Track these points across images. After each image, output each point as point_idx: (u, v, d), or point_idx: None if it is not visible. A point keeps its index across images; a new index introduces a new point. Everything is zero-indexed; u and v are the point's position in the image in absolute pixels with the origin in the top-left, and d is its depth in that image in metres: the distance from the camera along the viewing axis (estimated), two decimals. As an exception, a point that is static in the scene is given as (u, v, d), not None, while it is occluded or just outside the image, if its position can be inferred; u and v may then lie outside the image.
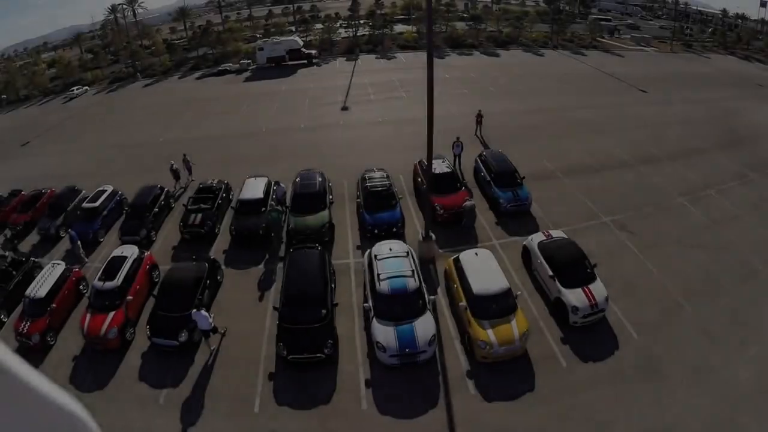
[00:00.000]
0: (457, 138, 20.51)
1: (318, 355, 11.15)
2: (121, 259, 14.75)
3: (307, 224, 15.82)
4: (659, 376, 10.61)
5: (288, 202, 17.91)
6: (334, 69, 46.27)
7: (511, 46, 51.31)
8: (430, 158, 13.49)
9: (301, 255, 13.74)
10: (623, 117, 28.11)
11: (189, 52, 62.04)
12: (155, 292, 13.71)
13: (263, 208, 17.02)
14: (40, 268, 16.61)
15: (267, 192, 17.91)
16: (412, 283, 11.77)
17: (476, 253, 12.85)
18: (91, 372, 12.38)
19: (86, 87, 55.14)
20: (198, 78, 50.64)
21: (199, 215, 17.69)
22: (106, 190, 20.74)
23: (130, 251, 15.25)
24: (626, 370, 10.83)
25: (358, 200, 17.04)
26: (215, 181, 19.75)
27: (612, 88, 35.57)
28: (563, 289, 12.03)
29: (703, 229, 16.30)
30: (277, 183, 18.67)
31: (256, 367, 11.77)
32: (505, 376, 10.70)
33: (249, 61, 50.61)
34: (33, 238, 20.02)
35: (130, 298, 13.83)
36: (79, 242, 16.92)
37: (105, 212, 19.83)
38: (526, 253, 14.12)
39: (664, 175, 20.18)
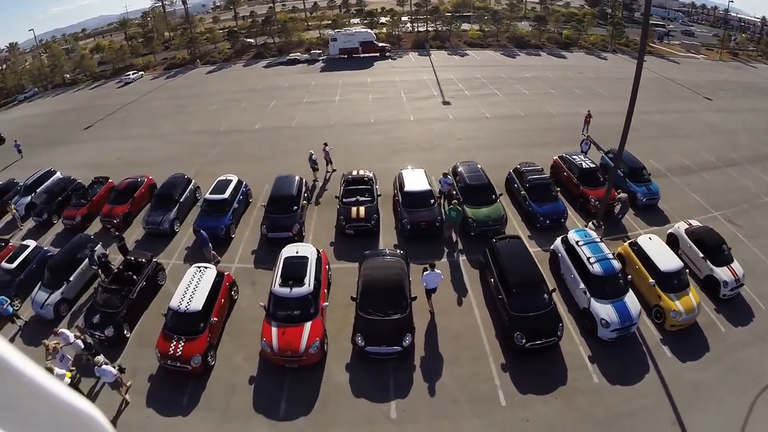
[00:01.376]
0: (588, 136, 22.81)
1: (553, 338, 11.66)
2: (301, 260, 13.16)
3: (488, 216, 16.39)
4: (787, 339, 12.79)
5: (456, 193, 17.83)
6: (410, 63, 47.53)
7: (573, 48, 52.65)
8: (620, 153, 15.62)
9: (508, 245, 14.03)
10: (697, 122, 30.18)
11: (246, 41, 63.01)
12: (354, 295, 12.36)
13: (432, 200, 16.97)
14: (163, 270, 15.32)
15: (430, 183, 17.71)
16: (617, 264, 13.32)
17: (650, 238, 14.81)
18: (283, 395, 11.12)
19: (141, 72, 56.55)
20: (266, 66, 51.76)
21: (362, 208, 16.77)
22: (231, 180, 18.91)
23: (308, 250, 13.71)
24: (764, 333, 12.97)
25: (522, 192, 17.99)
26: (364, 172, 18.82)
27: (678, 94, 37.49)
28: (715, 268, 14.16)
29: (789, 226, 18.50)
30: (445, 175, 18.47)
31: (487, 362, 11.88)
32: (687, 340, 12.62)
33: (320, 51, 52.10)
34: (134, 232, 18.62)
35: (326, 304, 12.45)
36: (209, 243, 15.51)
37: (236, 205, 18.09)
38: (671, 239, 16.16)
39: (748, 178, 22.26)
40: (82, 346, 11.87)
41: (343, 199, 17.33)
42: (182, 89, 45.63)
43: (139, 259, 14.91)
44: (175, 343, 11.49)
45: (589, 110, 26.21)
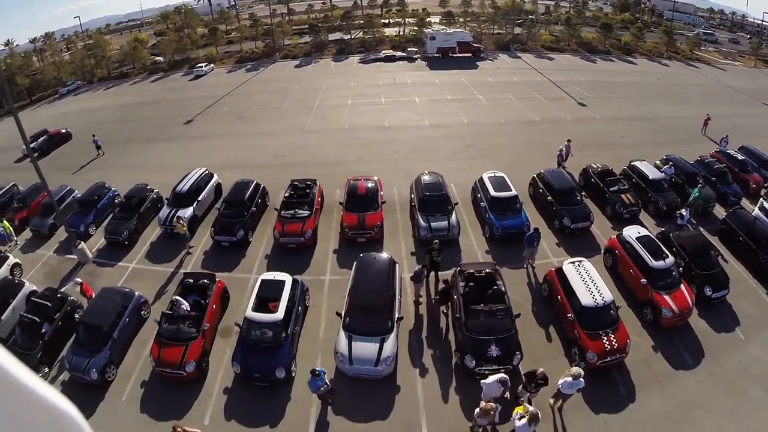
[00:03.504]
0: (726, 135, 28.40)
1: None
2: (652, 239, 16.05)
3: (709, 195, 21.00)
4: None
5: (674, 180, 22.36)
6: (508, 64, 51.73)
7: (634, 54, 58.28)
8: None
9: (742, 213, 19.12)
10: (769, 125, 35.30)
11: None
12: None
13: (666, 185, 21.38)
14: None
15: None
16: None
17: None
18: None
19: (212, 65, 57.30)
20: (363, 62, 53.80)
21: (629, 195, 19.96)
22: (501, 175, 19.65)
23: (643, 230, 16.80)
24: None
25: (713, 178, 22.82)
26: (602, 165, 22.11)
27: (740, 100, 42.94)
28: None
29: None
30: (670, 165, 23.14)
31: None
32: None
33: (415, 49, 56.01)
34: (391, 242, 18.38)
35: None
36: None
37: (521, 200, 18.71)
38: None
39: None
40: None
41: (611, 189, 20.45)
42: (282, 83, 46.82)
43: (486, 270, 14.48)
44: (606, 338, 12.65)
45: (708, 114, 31.98)
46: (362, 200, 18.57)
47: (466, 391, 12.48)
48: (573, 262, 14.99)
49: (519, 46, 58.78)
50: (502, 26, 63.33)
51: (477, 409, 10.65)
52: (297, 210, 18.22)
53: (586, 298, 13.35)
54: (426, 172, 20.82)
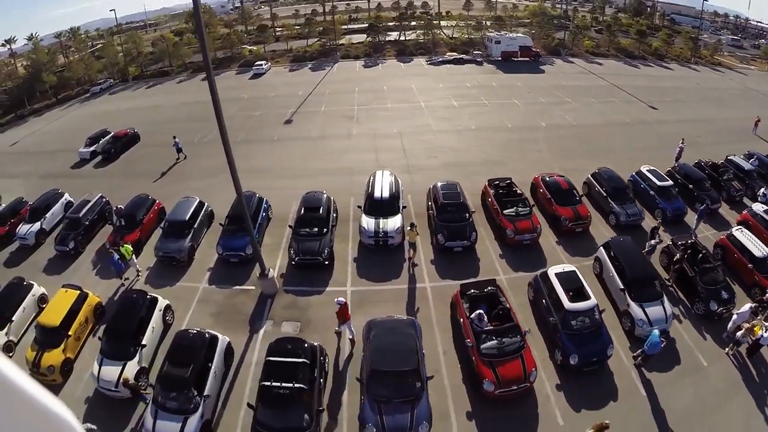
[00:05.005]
0: None
1: None
2: None
3: None
4: None
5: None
6: (565, 69, 56.22)
7: (666, 59, 64.31)
8: None
9: None
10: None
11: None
12: None
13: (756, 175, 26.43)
14: None
15: None
16: None
17: None
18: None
19: (269, 63, 57.41)
20: (432, 64, 56.45)
21: (736, 182, 24.42)
22: (654, 168, 23.57)
23: None
24: None
25: None
26: (708, 159, 26.49)
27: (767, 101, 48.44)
28: None
29: None
30: (755, 159, 28.00)
31: None
32: None
33: (480, 52, 60.37)
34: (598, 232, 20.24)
35: None
36: None
37: None
38: None
39: None
40: None
41: (722, 178, 25.04)
42: (363, 83, 48.03)
43: (690, 241, 18.17)
44: None
45: (758, 116, 37.04)
46: (565, 194, 20.69)
47: (712, 329, 15.95)
48: (738, 229, 19.88)
49: (568, 51, 64.23)
50: (546, 31, 68.97)
51: (739, 332, 14.07)
52: (517, 208, 19.06)
53: (757, 252, 18.10)
54: (604, 167, 23.87)
